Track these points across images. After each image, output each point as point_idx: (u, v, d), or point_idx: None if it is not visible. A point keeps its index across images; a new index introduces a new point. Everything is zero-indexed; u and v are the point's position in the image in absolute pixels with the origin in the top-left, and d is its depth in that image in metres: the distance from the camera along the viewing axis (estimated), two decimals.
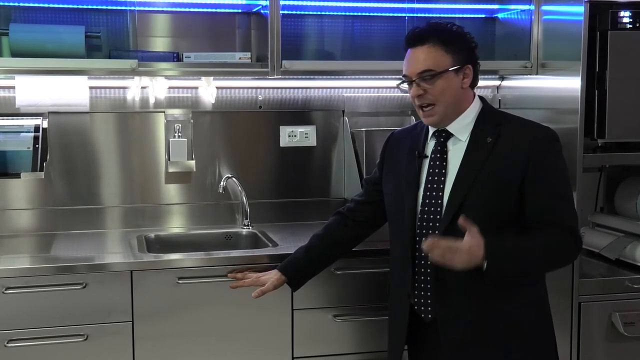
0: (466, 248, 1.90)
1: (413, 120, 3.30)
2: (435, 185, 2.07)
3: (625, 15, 2.69)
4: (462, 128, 2.08)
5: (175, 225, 3.17)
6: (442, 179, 2.06)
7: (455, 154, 2.08)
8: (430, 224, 2.07)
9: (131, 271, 2.52)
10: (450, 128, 2.09)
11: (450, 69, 2.03)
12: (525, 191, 2.00)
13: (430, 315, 2.11)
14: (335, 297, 2.67)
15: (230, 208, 3.22)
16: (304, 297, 2.65)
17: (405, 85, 2.11)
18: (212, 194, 3.18)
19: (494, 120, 2.07)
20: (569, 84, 2.77)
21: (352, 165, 3.14)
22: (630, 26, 2.70)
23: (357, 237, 2.44)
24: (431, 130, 2.14)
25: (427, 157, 2.13)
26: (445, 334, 2.08)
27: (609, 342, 2.78)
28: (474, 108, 2.10)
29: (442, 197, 2.05)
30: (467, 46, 2.07)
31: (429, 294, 2.10)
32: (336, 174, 3.31)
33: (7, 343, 2.44)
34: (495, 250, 1.93)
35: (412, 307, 2.14)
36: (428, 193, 2.08)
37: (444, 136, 2.10)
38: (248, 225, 3.13)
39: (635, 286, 2.77)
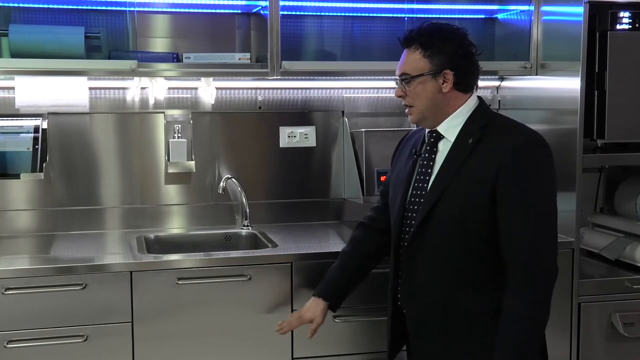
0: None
1: None
2: (421, 184, 2.11)
3: (625, 16, 2.70)
4: (450, 128, 2.09)
5: (175, 226, 3.17)
6: (428, 177, 2.09)
7: (443, 153, 2.10)
8: (413, 222, 2.10)
9: (131, 272, 2.52)
10: (439, 128, 2.11)
11: (425, 74, 2.05)
12: (497, 193, 1.97)
13: (404, 311, 2.17)
14: None
15: (229, 209, 3.22)
16: (304, 298, 2.64)
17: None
18: (211, 194, 3.19)
19: (481, 122, 2.07)
20: (568, 85, 2.77)
21: (352, 166, 3.14)
22: (630, 27, 2.70)
23: (385, 244, 2.35)
24: (427, 131, 2.17)
25: (421, 156, 2.16)
26: (411, 322, 2.14)
27: (609, 343, 2.78)
28: (466, 109, 2.10)
29: (424, 195, 2.09)
30: (449, 50, 2.05)
31: (402, 287, 2.16)
32: (336, 174, 3.31)
33: (7, 344, 2.44)
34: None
35: (397, 301, 2.20)
36: (415, 191, 2.12)
37: (434, 136, 2.13)
38: (248, 226, 3.13)
39: (635, 287, 2.77)
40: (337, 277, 2.41)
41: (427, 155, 2.13)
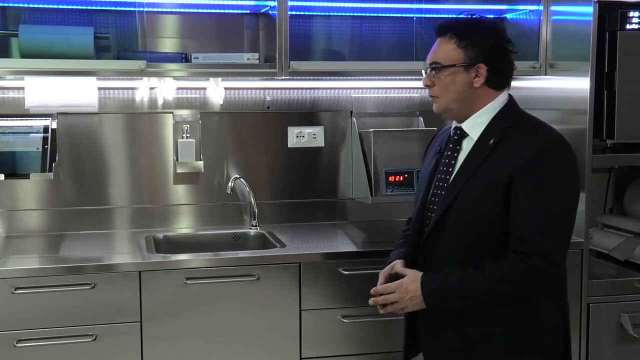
0: (396, 287, 2.02)
1: (421, 121, 3.30)
2: (441, 183, 2.05)
3: (635, 16, 2.69)
4: (475, 127, 2.03)
5: (184, 226, 3.18)
6: (448, 177, 2.04)
7: (465, 152, 2.04)
8: (432, 217, 2.05)
9: (139, 271, 2.52)
10: (464, 125, 2.05)
11: (457, 65, 1.98)
12: (511, 197, 1.91)
13: (419, 314, 2.11)
14: (343, 297, 2.67)
15: (238, 208, 3.22)
16: (312, 298, 2.65)
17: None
18: (220, 194, 3.19)
19: (505, 123, 2.00)
20: (578, 85, 2.76)
21: (360, 166, 3.14)
22: None
23: None
24: (452, 128, 2.11)
25: (444, 153, 2.11)
26: (425, 334, 2.10)
27: (618, 344, 2.77)
28: (492, 108, 2.02)
29: (442, 195, 2.04)
30: (485, 44, 1.98)
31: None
32: (344, 174, 3.31)
33: (17, 343, 2.45)
34: (431, 285, 1.97)
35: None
36: (436, 190, 2.06)
37: (458, 134, 2.06)
38: (256, 226, 3.14)
39: None
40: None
41: (449, 153, 2.07)
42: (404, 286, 2.01)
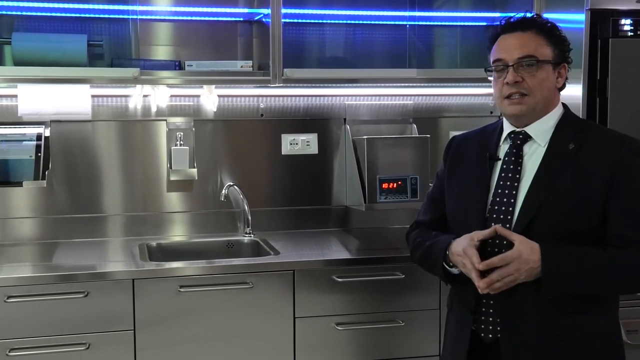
0: (515, 256, 1.79)
1: (415, 128, 3.30)
2: (507, 191, 1.90)
3: (626, 23, 2.70)
4: (542, 131, 1.91)
5: (177, 234, 3.17)
6: (516, 184, 1.89)
7: (532, 158, 1.91)
8: (501, 239, 1.87)
9: (133, 279, 2.52)
10: (528, 130, 1.92)
11: (551, 61, 1.88)
12: (609, 207, 1.82)
13: (490, 336, 1.91)
14: (337, 305, 2.67)
15: (231, 216, 3.22)
16: (306, 306, 2.64)
17: (492, 73, 1.95)
18: (213, 202, 3.18)
19: (577, 127, 1.91)
20: (570, 92, 2.76)
21: (354, 173, 3.14)
22: (631, 34, 2.70)
23: None
24: (505, 132, 1.98)
25: (500, 160, 1.96)
26: (507, 357, 1.89)
27: None
28: (556, 113, 1.93)
29: (514, 204, 1.88)
30: (565, 44, 1.92)
31: (491, 310, 1.91)
32: (338, 182, 3.31)
33: (9, 352, 2.43)
34: (553, 256, 1.80)
35: (472, 324, 1.95)
36: (498, 199, 1.91)
37: (520, 138, 1.93)
38: (250, 233, 3.13)
39: (639, 294, 2.76)
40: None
41: (513, 159, 1.92)
42: (523, 256, 1.79)
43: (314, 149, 3.28)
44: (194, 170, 3.13)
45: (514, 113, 1.91)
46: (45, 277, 2.48)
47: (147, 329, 2.54)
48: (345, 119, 3.29)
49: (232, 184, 3.14)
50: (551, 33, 1.91)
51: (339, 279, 2.65)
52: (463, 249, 1.88)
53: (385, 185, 3.07)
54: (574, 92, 2.73)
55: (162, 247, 3.04)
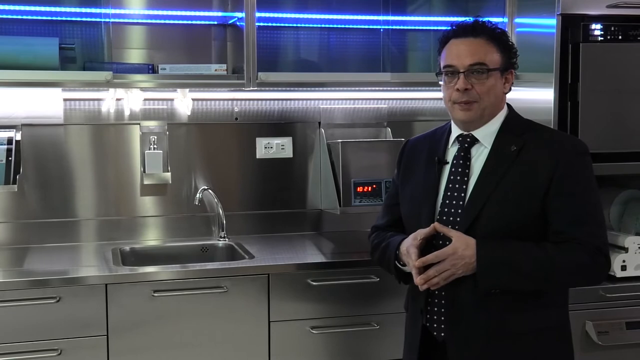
0: (450, 252, 1.86)
1: (389, 131, 3.31)
2: (456, 193, 1.97)
3: (597, 28, 2.73)
4: (488, 134, 1.98)
5: (151, 238, 3.15)
6: (464, 186, 1.96)
7: (479, 160, 1.98)
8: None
9: (106, 284, 2.50)
10: (475, 133, 1.99)
11: (499, 69, 1.95)
12: (549, 205, 1.89)
13: (442, 334, 1.98)
14: (311, 308, 2.67)
15: (206, 220, 3.20)
16: (281, 309, 2.64)
17: (443, 77, 2.00)
18: (188, 206, 3.17)
19: (520, 129, 1.98)
20: (542, 96, 2.80)
21: (329, 177, 3.15)
22: (602, 39, 2.74)
23: None
24: (453, 135, 2.04)
25: (448, 163, 2.02)
26: (456, 356, 1.95)
27: (584, 352, 2.79)
28: (502, 115, 2.01)
29: (462, 206, 1.94)
30: (513, 51, 1.99)
31: (442, 310, 1.97)
32: (312, 185, 3.31)
33: None
34: (488, 251, 1.86)
35: (425, 324, 2.02)
36: (448, 201, 1.97)
37: (468, 142, 2.00)
38: (224, 237, 3.12)
39: (609, 295, 2.80)
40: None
41: (460, 161, 1.99)
42: (458, 252, 1.86)
43: (288, 153, 3.28)
44: (168, 174, 3.12)
45: (463, 119, 1.99)
46: (17, 282, 2.45)
47: (120, 335, 2.52)
48: (320, 123, 3.29)
49: (206, 187, 3.13)
50: (501, 40, 1.97)
51: (314, 283, 2.65)
52: (407, 248, 1.97)
53: (360, 189, 3.08)
54: (545, 96, 2.77)
55: (135, 252, 3.01)
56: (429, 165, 2.05)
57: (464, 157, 1.99)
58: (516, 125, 2.01)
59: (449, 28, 2.03)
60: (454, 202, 1.96)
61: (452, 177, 1.99)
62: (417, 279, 1.90)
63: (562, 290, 2.02)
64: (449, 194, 1.98)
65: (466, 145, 2.00)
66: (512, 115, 2.04)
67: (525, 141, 1.95)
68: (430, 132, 2.18)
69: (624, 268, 2.76)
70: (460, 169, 1.98)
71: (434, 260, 1.89)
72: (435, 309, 1.99)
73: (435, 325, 1.99)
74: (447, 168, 2.02)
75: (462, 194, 1.95)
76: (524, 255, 1.87)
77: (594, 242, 1.90)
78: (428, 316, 2.01)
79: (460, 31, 1.98)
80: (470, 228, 1.91)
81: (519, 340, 1.93)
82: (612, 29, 2.74)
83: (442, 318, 1.98)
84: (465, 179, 1.97)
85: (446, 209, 1.97)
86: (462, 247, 1.86)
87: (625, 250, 2.75)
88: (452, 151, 2.04)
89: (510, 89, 2.02)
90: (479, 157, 1.98)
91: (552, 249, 1.88)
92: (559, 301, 2.01)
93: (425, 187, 2.03)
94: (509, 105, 2.06)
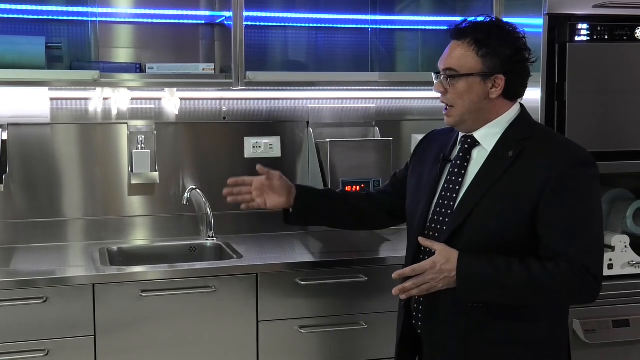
0: (428, 267, 1.81)
1: (377, 131, 3.32)
2: (449, 194, 1.92)
3: (583, 28, 2.75)
4: (488, 137, 1.91)
5: (139, 238, 3.14)
6: (457, 187, 1.91)
7: (477, 163, 1.92)
8: (437, 234, 1.92)
9: (93, 284, 2.48)
10: (476, 134, 1.93)
11: (475, 74, 1.87)
12: (538, 217, 1.81)
13: (419, 331, 1.98)
14: (300, 308, 2.67)
15: (194, 220, 3.19)
16: (269, 309, 2.64)
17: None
18: (175, 205, 3.16)
19: (522, 134, 1.89)
20: (529, 95, 2.77)
21: (317, 176, 3.15)
22: (588, 38, 2.75)
23: (374, 216, 2.26)
24: (460, 134, 1.99)
25: (451, 162, 1.98)
26: (430, 354, 1.96)
27: (571, 350, 2.81)
28: (507, 118, 1.92)
29: (453, 207, 1.90)
30: (505, 54, 1.87)
31: (421, 307, 1.97)
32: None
33: None
34: (469, 266, 1.81)
35: (408, 319, 2.02)
36: (441, 201, 1.94)
37: (469, 143, 1.94)
38: (212, 237, 3.11)
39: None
40: (316, 192, 2.31)
41: (459, 162, 1.94)
42: (437, 266, 1.82)
43: (277, 152, 3.28)
44: (156, 174, 3.11)
45: (448, 124, 1.98)
46: (3, 282, 2.44)
47: (108, 335, 2.51)
48: (308, 122, 3.29)
49: (194, 187, 3.12)
50: (485, 44, 1.87)
51: (303, 282, 2.65)
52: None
53: (348, 188, 3.09)
54: (532, 96, 2.77)
55: (123, 252, 3.00)
56: (435, 161, 2.02)
57: (462, 158, 1.95)
58: (521, 129, 1.92)
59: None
60: (446, 203, 1.93)
61: (449, 178, 1.96)
62: (393, 290, 1.88)
63: (555, 307, 1.95)
64: (443, 194, 1.95)
65: (467, 146, 1.95)
66: (522, 119, 1.94)
67: (525, 147, 1.87)
68: (451, 127, 2.09)
69: (610, 267, 2.77)
70: (457, 170, 1.94)
71: (411, 274, 1.85)
72: (421, 307, 1.97)
73: (420, 323, 1.98)
74: (448, 167, 1.99)
75: (455, 195, 1.92)
76: (505, 272, 1.80)
77: (582, 261, 1.79)
78: (414, 313, 1.99)
79: (452, 32, 1.95)
80: (453, 235, 1.87)
81: (498, 349, 1.89)
82: (599, 28, 2.76)
83: (420, 315, 1.97)
84: (460, 180, 1.92)
85: (438, 209, 1.94)
86: (442, 261, 1.82)
87: (612, 248, 2.77)
88: (456, 151, 2.00)
89: (500, 94, 1.90)
90: (477, 160, 1.93)
91: (536, 266, 1.80)
92: (552, 314, 1.93)
93: (427, 184, 2.00)
94: (522, 107, 1.97)
